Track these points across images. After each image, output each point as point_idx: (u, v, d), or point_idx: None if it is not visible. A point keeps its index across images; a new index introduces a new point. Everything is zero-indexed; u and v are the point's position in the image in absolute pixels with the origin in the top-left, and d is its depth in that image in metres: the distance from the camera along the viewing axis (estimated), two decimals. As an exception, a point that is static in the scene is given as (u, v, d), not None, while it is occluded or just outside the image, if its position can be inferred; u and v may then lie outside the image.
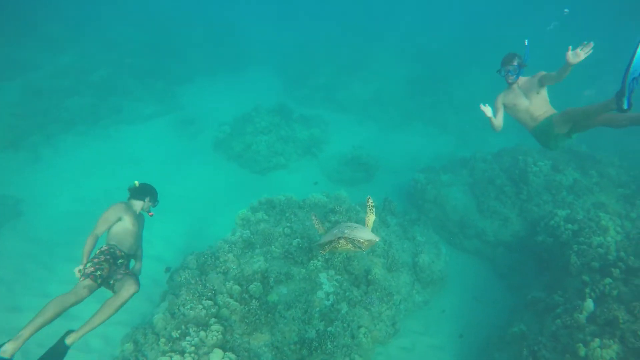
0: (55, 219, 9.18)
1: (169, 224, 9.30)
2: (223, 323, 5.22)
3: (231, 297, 5.52)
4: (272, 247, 6.37)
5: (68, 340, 3.85)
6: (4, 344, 3.36)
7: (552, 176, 9.29)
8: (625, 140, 12.03)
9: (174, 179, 11.02)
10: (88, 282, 3.92)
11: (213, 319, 5.20)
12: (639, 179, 9.20)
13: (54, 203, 9.71)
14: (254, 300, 5.48)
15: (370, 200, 4.85)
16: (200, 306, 5.32)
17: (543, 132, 4.62)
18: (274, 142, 12.44)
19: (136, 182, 5.04)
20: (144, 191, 5.05)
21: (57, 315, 3.62)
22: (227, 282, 5.72)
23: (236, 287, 5.61)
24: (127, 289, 4.14)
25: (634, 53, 3.30)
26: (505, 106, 5.02)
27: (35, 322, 3.48)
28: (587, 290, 5.80)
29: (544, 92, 4.79)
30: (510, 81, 4.86)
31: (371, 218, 4.82)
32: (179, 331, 5.07)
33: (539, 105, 4.75)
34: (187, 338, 4.90)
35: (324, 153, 13.18)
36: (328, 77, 18.69)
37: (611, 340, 4.95)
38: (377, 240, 4.55)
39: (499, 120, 5.03)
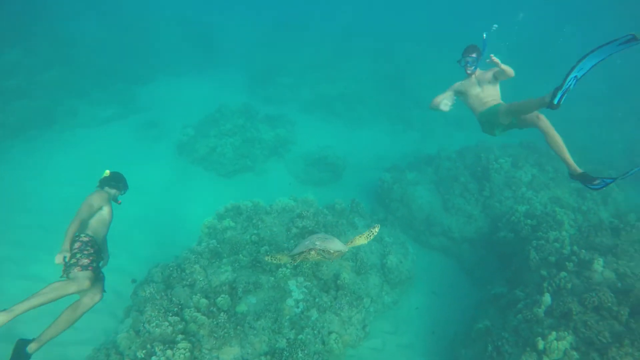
0: (4, 232, 8.57)
1: (132, 233, 8.93)
2: (191, 339, 5.09)
3: (198, 311, 5.38)
4: (240, 255, 6.27)
5: (30, 349, 3.82)
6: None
7: (512, 172, 9.70)
8: (576, 135, 12.70)
9: (136, 184, 10.45)
10: (89, 274, 3.99)
11: (180, 336, 5.06)
12: (589, 174, 9.75)
13: (1, 216, 9.07)
14: (222, 313, 5.38)
15: (376, 230, 4.72)
16: (167, 323, 5.16)
17: (488, 119, 4.87)
18: (240, 144, 12.21)
19: (107, 172, 4.96)
20: (117, 179, 5.00)
21: (54, 299, 3.69)
22: (194, 296, 5.58)
23: (203, 300, 5.48)
24: (92, 297, 4.19)
25: (585, 56, 3.44)
26: (459, 92, 5.29)
27: (31, 301, 3.52)
28: (545, 284, 6.08)
29: (497, 86, 5.08)
30: (469, 72, 5.12)
31: (361, 241, 4.75)
32: (144, 350, 4.90)
33: (489, 93, 5.04)
34: (153, 358, 4.75)
35: (291, 153, 13.09)
36: (294, 76, 18.57)
37: (566, 332, 5.23)
38: (346, 250, 4.67)
39: (443, 99, 5.25)
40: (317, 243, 4.47)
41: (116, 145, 12.61)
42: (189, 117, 13.82)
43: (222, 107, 13.46)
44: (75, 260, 4.02)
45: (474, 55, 4.97)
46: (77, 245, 4.19)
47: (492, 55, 4.47)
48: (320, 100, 16.98)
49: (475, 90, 5.07)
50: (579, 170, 4.00)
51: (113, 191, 4.94)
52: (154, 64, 18.20)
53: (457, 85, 5.28)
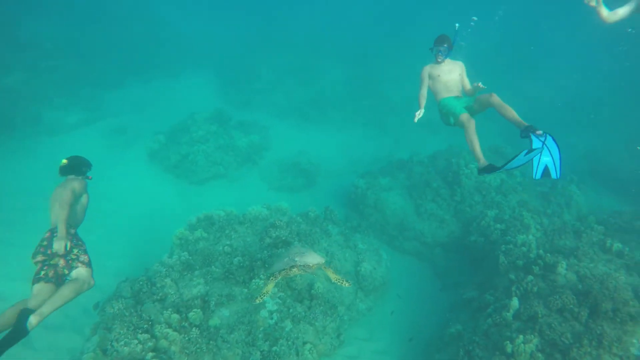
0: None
1: (101, 243, 8.59)
2: (162, 356, 4.97)
3: (169, 326, 5.26)
4: (213, 267, 6.17)
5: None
6: (29, 316, 3.59)
7: (482, 177, 9.95)
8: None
9: (105, 194, 10.19)
10: (91, 271, 4.26)
11: (150, 354, 4.93)
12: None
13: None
14: (194, 328, 5.28)
15: (346, 284, 5.02)
16: (136, 341, 5.02)
17: (451, 114, 5.18)
18: (212, 151, 12.02)
19: (64, 160, 4.83)
20: (81, 163, 4.94)
21: (72, 299, 3.96)
22: (164, 311, 5.45)
23: (175, 315, 5.36)
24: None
25: (514, 157, 4.06)
26: (430, 76, 5.56)
27: (54, 302, 3.77)
28: (514, 288, 6.27)
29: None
30: (439, 60, 5.45)
31: (331, 275, 4.99)
32: (111, 371, 4.74)
33: (456, 81, 5.49)
34: (121, 378, 4.59)
35: (265, 160, 13.01)
36: (267, 81, 18.42)
37: (532, 335, 5.42)
38: (323, 262, 4.79)
39: (424, 93, 5.50)
40: (296, 259, 4.56)
41: (84, 152, 11.75)
42: (160, 123, 13.49)
43: (195, 114, 13.22)
44: (75, 256, 4.19)
45: (445, 45, 5.30)
46: (73, 240, 4.33)
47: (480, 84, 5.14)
48: (294, 105, 16.90)
49: (445, 77, 5.45)
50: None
51: (80, 177, 4.89)
52: (123, 68, 17.59)
53: (428, 69, 5.53)
